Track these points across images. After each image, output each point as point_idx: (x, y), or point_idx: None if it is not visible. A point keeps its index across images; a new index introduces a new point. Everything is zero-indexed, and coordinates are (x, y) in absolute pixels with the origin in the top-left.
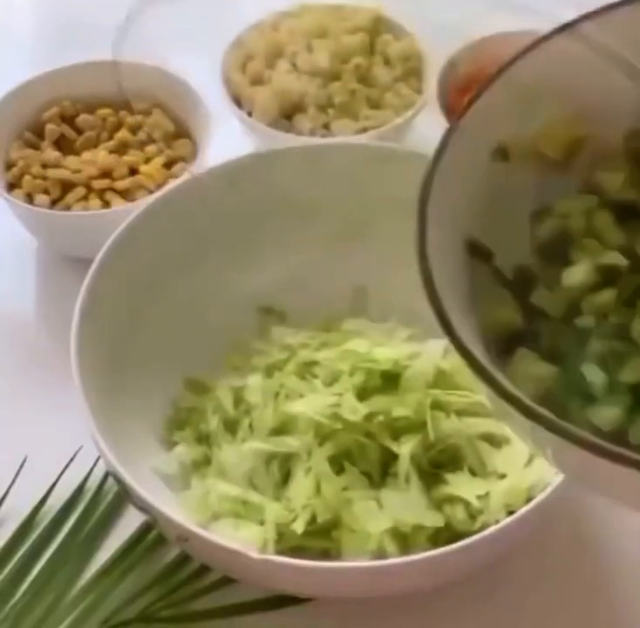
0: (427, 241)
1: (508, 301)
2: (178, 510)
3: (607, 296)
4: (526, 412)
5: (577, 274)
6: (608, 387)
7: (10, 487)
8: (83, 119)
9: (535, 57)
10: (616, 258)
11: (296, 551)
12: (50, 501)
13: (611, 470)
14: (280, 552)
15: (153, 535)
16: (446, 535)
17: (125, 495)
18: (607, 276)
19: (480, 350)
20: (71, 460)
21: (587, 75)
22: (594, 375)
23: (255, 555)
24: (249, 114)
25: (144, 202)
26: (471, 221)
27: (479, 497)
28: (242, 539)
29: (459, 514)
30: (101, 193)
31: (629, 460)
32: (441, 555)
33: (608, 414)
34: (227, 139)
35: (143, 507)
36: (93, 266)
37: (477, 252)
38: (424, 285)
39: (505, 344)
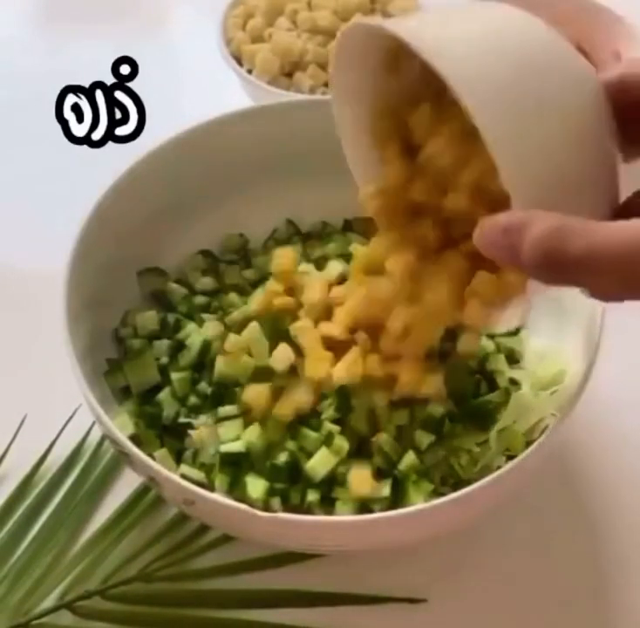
0: None
1: None
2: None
3: None
4: None
5: None
6: None
7: (9, 445)
8: None
9: None
10: None
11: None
12: (49, 459)
13: None
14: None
15: (152, 493)
16: (451, 481)
17: (123, 459)
18: None
19: None
20: (71, 418)
21: None
22: None
23: (262, 513)
24: (250, 72)
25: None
26: None
27: (478, 444)
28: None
29: (462, 460)
30: None
31: None
32: (442, 504)
33: None
34: (226, 96)
35: (145, 472)
36: (86, 217)
37: None
38: None
39: None
